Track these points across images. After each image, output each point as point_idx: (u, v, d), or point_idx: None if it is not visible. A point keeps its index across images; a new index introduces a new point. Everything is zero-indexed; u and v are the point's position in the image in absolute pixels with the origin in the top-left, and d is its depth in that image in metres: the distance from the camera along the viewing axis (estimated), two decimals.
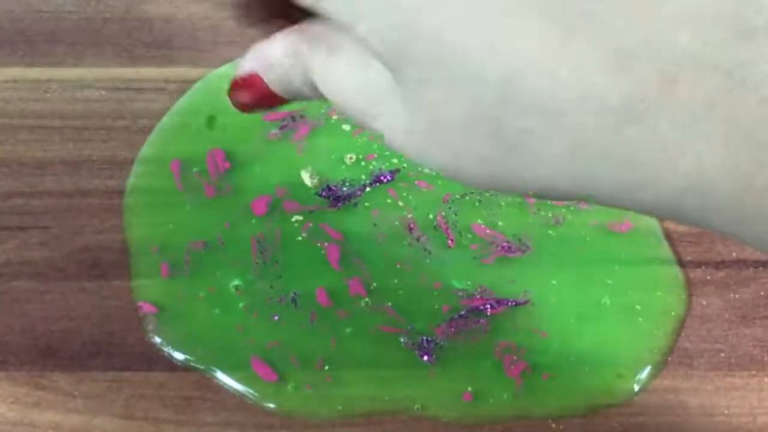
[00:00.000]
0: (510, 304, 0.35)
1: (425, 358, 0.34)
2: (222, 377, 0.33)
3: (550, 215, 0.38)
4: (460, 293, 0.36)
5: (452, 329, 0.35)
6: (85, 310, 0.35)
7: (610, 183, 0.15)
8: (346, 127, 0.41)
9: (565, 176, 0.15)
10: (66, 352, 0.34)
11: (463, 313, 0.35)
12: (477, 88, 0.15)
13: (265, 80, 0.21)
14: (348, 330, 0.35)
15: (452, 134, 0.16)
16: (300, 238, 0.37)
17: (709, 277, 0.37)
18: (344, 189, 0.39)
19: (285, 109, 0.41)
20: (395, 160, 0.40)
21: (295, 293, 0.35)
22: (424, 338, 0.34)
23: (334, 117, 0.41)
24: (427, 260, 0.37)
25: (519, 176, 0.16)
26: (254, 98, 0.22)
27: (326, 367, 0.33)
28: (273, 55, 0.20)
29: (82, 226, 0.37)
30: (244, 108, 0.22)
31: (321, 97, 0.20)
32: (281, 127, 0.41)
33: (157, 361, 0.34)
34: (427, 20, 0.15)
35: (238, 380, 0.33)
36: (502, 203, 0.38)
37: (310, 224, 0.37)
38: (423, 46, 0.15)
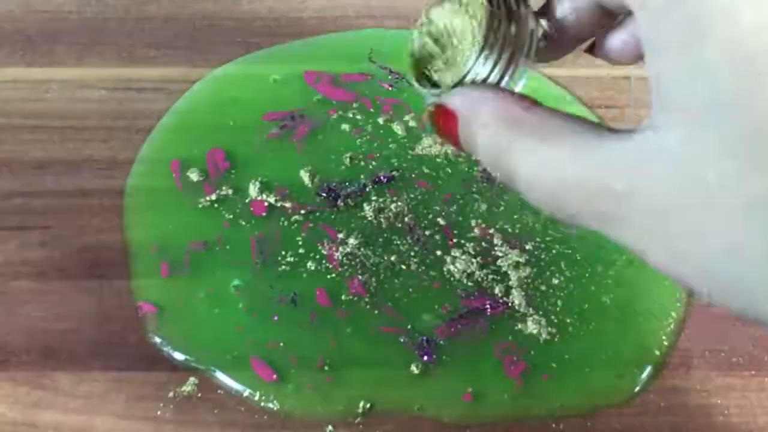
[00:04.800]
0: (510, 304, 0.35)
1: (425, 358, 0.34)
2: (222, 377, 0.33)
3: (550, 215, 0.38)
4: (460, 293, 0.36)
5: (452, 329, 0.35)
6: (85, 310, 0.35)
7: None
8: (346, 127, 0.41)
9: None
10: (66, 352, 0.34)
11: (463, 313, 0.35)
12: None
13: (458, 128, 0.20)
14: (348, 330, 0.34)
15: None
16: (300, 238, 0.37)
17: None
18: (344, 189, 0.39)
19: (284, 109, 0.42)
20: (395, 161, 0.40)
21: (295, 293, 0.35)
22: (424, 338, 0.34)
23: (334, 116, 0.41)
24: (427, 260, 0.37)
25: None
26: (442, 132, 0.21)
27: (326, 367, 0.33)
28: (478, 112, 0.19)
29: (82, 226, 0.37)
30: (438, 133, 0.21)
31: (509, 183, 0.19)
32: (281, 127, 0.41)
33: (157, 361, 0.34)
34: None
35: (238, 380, 0.33)
36: (502, 203, 0.38)
37: (310, 224, 0.37)
38: None
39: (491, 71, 0.20)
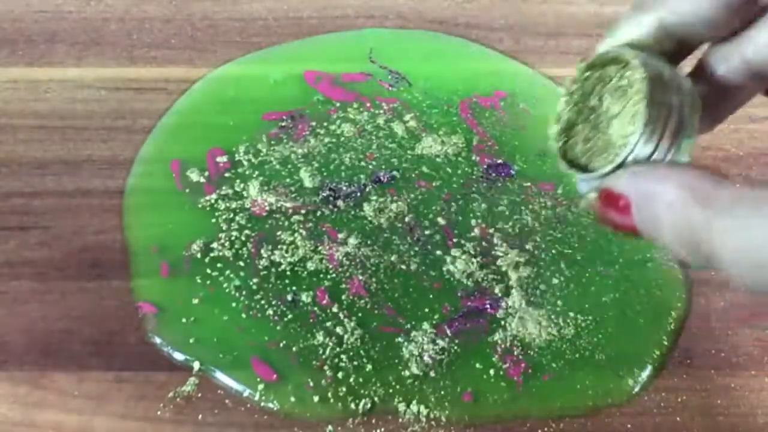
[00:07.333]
0: (510, 304, 0.35)
1: (425, 358, 0.34)
2: (222, 377, 0.33)
3: (550, 215, 0.38)
4: (460, 293, 0.36)
5: (452, 329, 0.35)
6: (85, 310, 0.35)
7: None
8: (346, 127, 0.41)
9: None
10: (66, 352, 0.34)
11: (463, 313, 0.35)
12: None
13: (633, 213, 0.18)
14: (348, 330, 0.34)
15: None
16: (300, 239, 0.37)
17: (709, 277, 0.37)
18: (344, 189, 0.39)
19: (284, 109, 0.42)
20: (395, 161, 0.40)
21: (295, 293, 0.35)
22: (424, 338, 0.34)
23: (334, 116, 0.41)
24: (427, 260, 0.37)
25: None
26: (611, 218, 0.19)
27: (326, 368, 0.33)
28: (657, 192, 0.18)
29: (82, 226, 0.37)
30: (605, 222, 0.20)
31: (705, 263, 0.17)
32: (281, 127, 0.41)
33: (157, 361, 0.34)
34: None
35: (238, 380, 0.33)
36: (502, 203, 0.38)
37: (310, 224, 0.37)
38: None
39: (656, 147, 0.19)
